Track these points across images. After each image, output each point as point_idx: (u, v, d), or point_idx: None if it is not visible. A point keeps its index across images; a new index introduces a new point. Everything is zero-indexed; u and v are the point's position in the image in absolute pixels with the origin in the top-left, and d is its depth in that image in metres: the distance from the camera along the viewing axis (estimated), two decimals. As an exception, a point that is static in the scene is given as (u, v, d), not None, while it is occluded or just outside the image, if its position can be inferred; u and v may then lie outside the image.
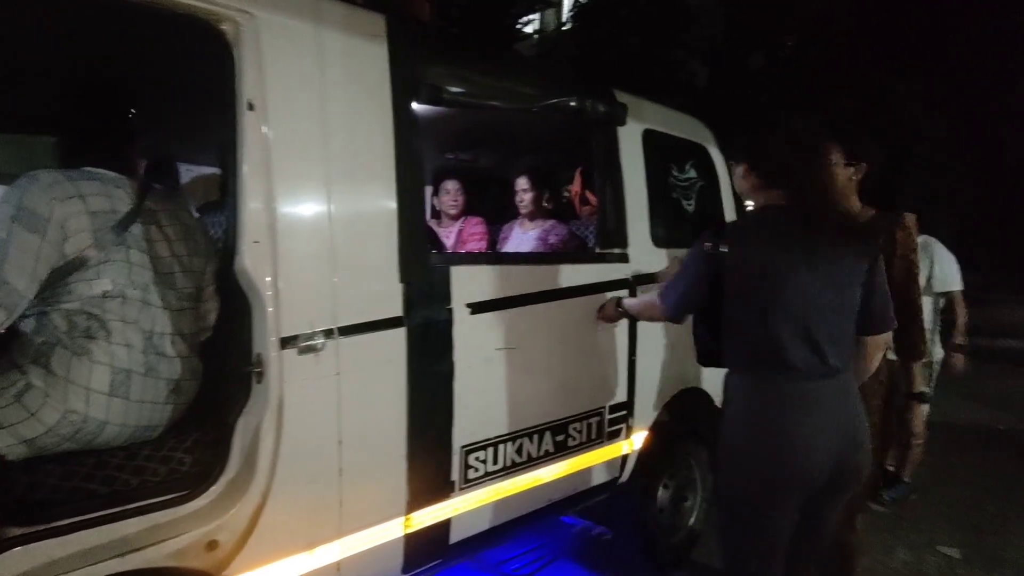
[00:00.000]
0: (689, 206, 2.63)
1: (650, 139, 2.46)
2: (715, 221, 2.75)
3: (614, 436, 2.36)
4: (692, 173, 2.66)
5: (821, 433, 1.47)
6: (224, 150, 1.48)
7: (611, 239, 2.33)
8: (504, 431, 1.96)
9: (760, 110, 6.57)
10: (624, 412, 2.39)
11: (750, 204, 1.91)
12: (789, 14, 7.17)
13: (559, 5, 13.52)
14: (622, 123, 2.30)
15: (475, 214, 3.21)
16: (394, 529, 1.67)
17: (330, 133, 1.56)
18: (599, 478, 2.35)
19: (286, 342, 1.45)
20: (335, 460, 1.55)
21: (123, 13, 1.42)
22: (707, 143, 2.79)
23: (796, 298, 1.48)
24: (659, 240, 2.47)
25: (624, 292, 2.31)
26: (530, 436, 2.05)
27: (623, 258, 2.36)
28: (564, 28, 8.79)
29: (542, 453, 2.09)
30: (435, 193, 3.20)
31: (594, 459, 2.29)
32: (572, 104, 2.12)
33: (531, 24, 11.97)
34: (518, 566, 2.60)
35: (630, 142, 2.38)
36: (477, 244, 3.11)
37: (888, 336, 1.66)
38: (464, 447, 1.84)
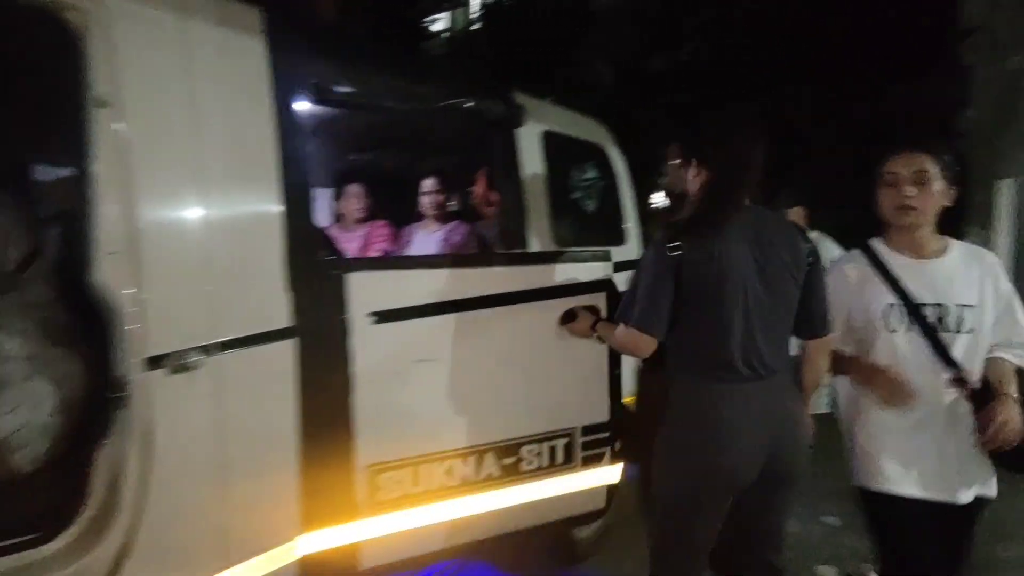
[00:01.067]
0: (590, 206, 2.67)
1: (549, 140, 2.47)
2: (615, 220, 2.81)
3: (593, 461, 2.06)
4: (592, 173, 2.70)
5: (751, 432, 1.47)
6: (72, 151, 1.32)
7: (512, 240, 2.32)
8: (428, 450, 1.79)
9: (665, 110, 6.83)
10: (606, 434, 2.07)
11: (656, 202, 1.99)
12: (689, 20, 7.52)
13: (467, 5, 13.50)
14: (521, 124, 2.29)
15: (381, 218, 3.12)
16: (287, 555, 1.58)
17: (203, 133, 1.44)
18: (576, 508, 2.08)
19: (154, 362, 1.32)
20: (217, 486, 1.43)
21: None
22: (606, 143, 2.84)
23: (745, 297, 1.46)
24: (561, 240, 2.49)
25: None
26: (465, 457, 1.84)
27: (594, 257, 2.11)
28: (473, 28, 8.77)
29: (484, 477, 1.87)
30: (337, 197, 3.07)
31: (566, 486, 2.02)
32: (469, 105, 2.09)
33: (439, 23, 11.87)
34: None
35: (529, 143, 2.38)
36: (383, 249, 3.02)
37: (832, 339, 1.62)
38: (371, 466, 1.71)
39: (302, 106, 1.66)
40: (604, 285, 2.02)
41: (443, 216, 2.86)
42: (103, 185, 1.28)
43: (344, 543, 1.68)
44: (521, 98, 2.35)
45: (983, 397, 1.49)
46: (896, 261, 1.59)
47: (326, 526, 1.65)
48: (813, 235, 3.25)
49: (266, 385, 1.53)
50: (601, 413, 2.06)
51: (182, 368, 1.36)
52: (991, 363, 1.54)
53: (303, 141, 1.65)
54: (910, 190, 1.54)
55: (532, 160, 2.38)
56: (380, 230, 3.14)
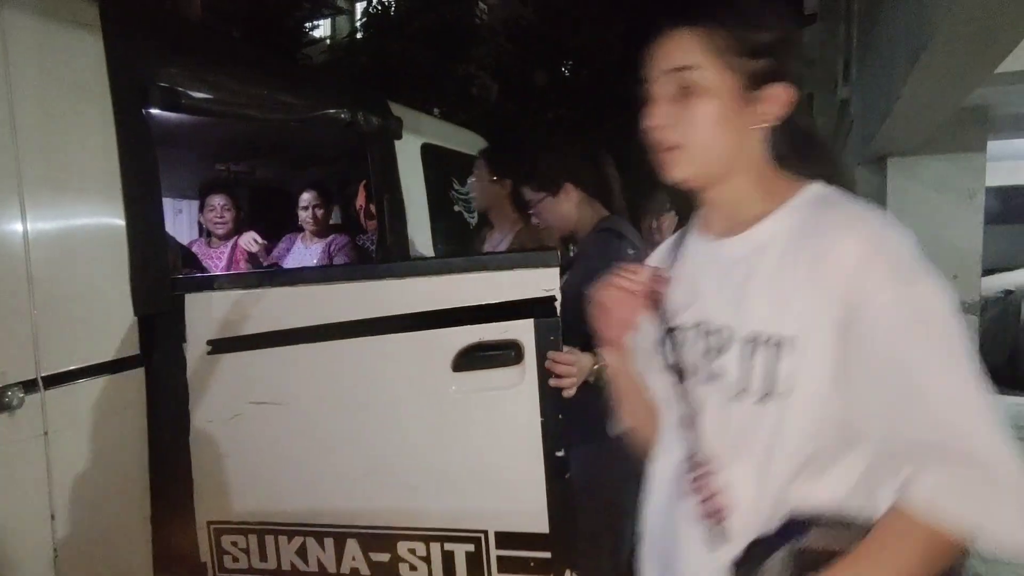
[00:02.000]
0: (472, 218, 2.68)
1: (429, 153, 2.46)
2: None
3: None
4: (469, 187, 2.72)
5: None
6: None
7: (391, 252, 2.27)
8: (270, 518, 1.44)
9: (546, 125, 7.05)
10: (542, 554, 1.31)
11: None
12: (567, 39, 7.82)
13: (351, 13, 13.19)
14: (398, 137, 2.26)
15: (250, 231, 2.93)
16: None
17: (20, 139, 1.27)
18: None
19: (-38, 402, 1.14)
20: (47, 539, 1.26)
21: None
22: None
23: None
24: (442, 253, 2.49)
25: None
26: (320, 538, 1.41)
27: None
28: (356, 36, 8.57)
29: (348, 572, 1.41)
30: (200, 209, 2.85)
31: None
32: (341, 116, 2.02)
33: (319, 29, 11.49)
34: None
35: (408, 156, 2.36)
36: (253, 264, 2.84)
37: None
38: (212, 523, 1.47)
39: (149, 111, 1.52)
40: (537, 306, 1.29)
41: (323, 231, 2.74)
42: None
43: None
44: (399, 110, 2.32)
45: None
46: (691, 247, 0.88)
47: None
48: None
49: (108, 420, 1.37)
50: (533, 516, 1.31)
51: (2, 407, 1.18)
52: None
53: (150, 149, 1.50)
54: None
55: (411, 172, 2.36)
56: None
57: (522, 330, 1.28)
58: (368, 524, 1.39)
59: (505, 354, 1.29)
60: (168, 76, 1.56)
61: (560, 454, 1.28)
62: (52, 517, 1.26)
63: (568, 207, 1.65)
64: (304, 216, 2.73)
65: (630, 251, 1.52)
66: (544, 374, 1.27)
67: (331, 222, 2.89)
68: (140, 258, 1.43)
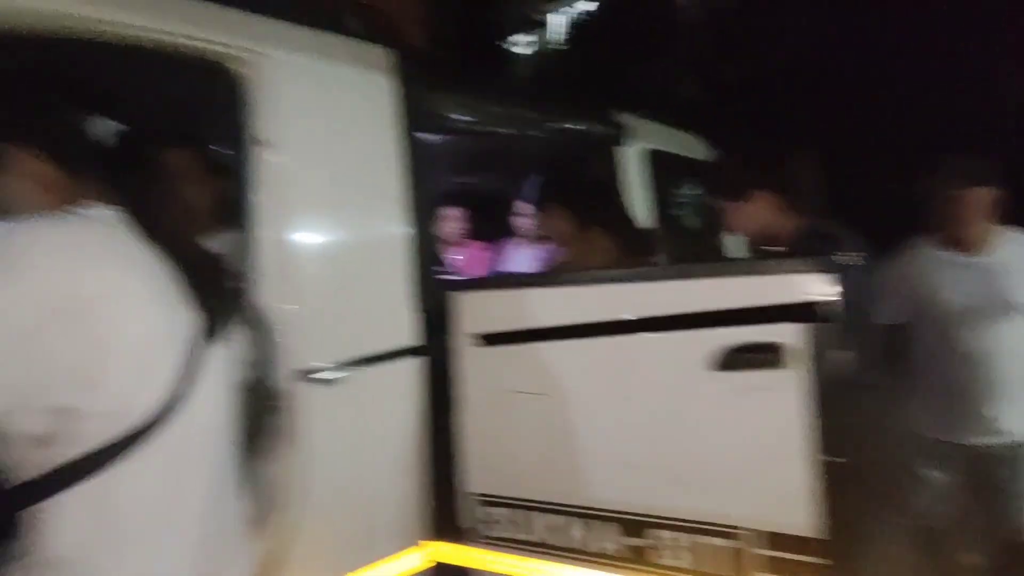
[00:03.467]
0: (696, 223, 2.66)
1: (651, 158, 2.49)
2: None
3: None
4: (696, 190, 2.70)
5: None
6: (239, 185, 1.48)
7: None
8: (530, 495, 1.60)
9: (750, 123, 6.62)
10: (811, 559, 1.30)
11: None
12: (780, 28, 7.26)
13: (546, 25, 13.72)
14: (623, 144, 2.33)
15: (478, 239, 3.24)
16: (417, 559, 1.66)
17: (339, 164, 1.57)
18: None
19: (304, 375, 1.45)
20: (358, 493, 1.54)
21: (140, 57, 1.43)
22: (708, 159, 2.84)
23: None
24: (665, 258, 2.49)
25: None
26: (577, 518, 1.54)
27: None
28: (556, 48, 8.90)
29: (602, 552, 1.51)
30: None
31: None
32: (574, 127, 2.15)
33: (523, 46, 12.12)
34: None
35: (632, 162, 2.42)
36: (481, 270, 3.13)
37: None
38: (479, 496, 1.67)
39: (423, 135, 1.78)
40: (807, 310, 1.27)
41: (541, 237, 2.92)
42: (263, 213, 1.44)
43: (466, 565, 1.70)
44: (623, 117, 2.40)
45: None
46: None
47: (444, 540, 1.70)
48: None
49: (397, 399, 1.63)
50: (796, 518, 1.29)
51: (327, 382, 1.48)
52: None
53: (425, 169, 1.75)
54: None
55: (636, 178, 2.41)
56: (477, 251, 3.27)
57: (790, 334, 1.29)
58: (624, 510, 1.49)
59: (770, 356, 1.31)
60: (440, 104, 1.81)
61: (839, 460, 1.25)
62: (362, 477, 1.55)
63: (761, 214, 1.57)
64: (523, 222, 2.93)
65: (847, 254, 1.41)
66: (819, 377, 1.25)
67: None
68: (420, 262, 1.69)
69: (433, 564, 1.69)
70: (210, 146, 1.75)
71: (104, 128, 0.96)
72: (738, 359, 1.33)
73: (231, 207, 1.54)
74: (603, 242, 1.83)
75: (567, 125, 2.14)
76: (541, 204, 1.99)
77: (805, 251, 1.48)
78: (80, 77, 1.04)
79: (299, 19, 1.61)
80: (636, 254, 1.86)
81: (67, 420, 0.80)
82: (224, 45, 1.44)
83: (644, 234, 2.00)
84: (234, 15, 1.49)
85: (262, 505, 1.44)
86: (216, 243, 1.65)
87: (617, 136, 2.30)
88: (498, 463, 1.66)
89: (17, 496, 0.81)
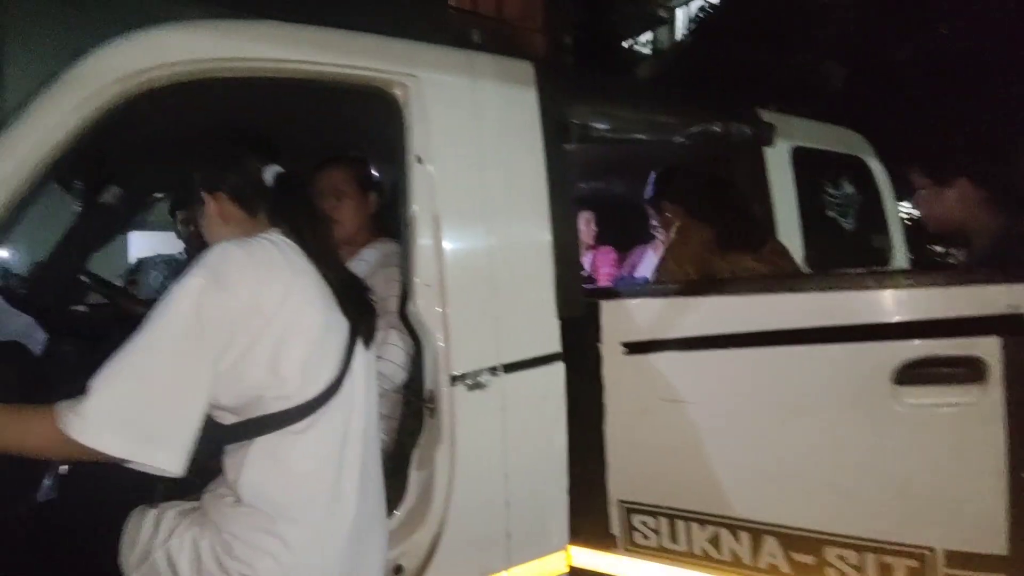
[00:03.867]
0: (848, 224, 2.45)
1: (799, 156, 2.34)
2: (877, 240, 2.54)
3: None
4: (849, 189, 2.49)
5: None
6: (397, 203, 1.60)
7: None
8: (681, 505, 1.58)
9: (910, 107, 5.96)
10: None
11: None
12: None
13: (671, 22, 13.32)
14: (769, 144, 2.21)
15: (606, 243, 3.22)
16: (557, 564, 1.69)
17: (487, 173, 1.64)
18: None
19: (456, 379, 1.53)
20: (502, 493, 1.60)
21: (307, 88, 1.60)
22: (864, 155, 2.60)
23: None
24: (815, 263, 2.33)
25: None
26: (734, 530, 1.50)
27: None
28: (681, 43, 8.64)
29: (765, 567, 1.47)
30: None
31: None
32: (716, 129, 2.07)
33: (644, 45, 11.89)
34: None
35: (778, 161, 2.28)
36: (610, 274, 3.10)
37: None
38: (623, 502, 1.67)
39: (565, 145, 1.80)
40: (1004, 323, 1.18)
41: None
42: (420, 225, 1.54)
43: (600, 571, 1.70)
44: (769, 115, 2.27)
45: None
46: None
47: (589, 547, 1.71)
48: None
49: (540, 404, 1.66)
50: (989, 537, 1.24)
51: (477, 385, 1.55)
52: None
53: (567, 178, 1.78)
54: None
55: (782, 179, 2.28)
56: (606, 255, 3.24)
57: (986, 348, 1.21)
58: (789, 524, 1.43)
59: (961, 371, 1.22)
60: (580, 114, 1.83)
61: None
62: (506, 476, 1.60)
63: (960, 204, 1.45)
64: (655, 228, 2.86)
65: None
66: (1017, 393, 1.16)
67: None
68: (562, 269, 1.71)
69: (575, 570, 1.71)
70: (370, 164, 1.91)
71: (275, 171, 1.22)
72: (928, 374, 1.25)
73: (389, 220, 1.67)
74: (705, 235, 1.85)
75: (707, 127, 2.06)
76: (655, 201, 2.03)
77: (1005, 254, 1.32)
78: (259, 127, 1.25)
79: (447, 41, 1.71)
80: (740, 248, 1.85)
81: (254, 393, 1.04)
82: (382, 72, 1.56)
83: (754, 229, 1.97)
84: (390, 43, 1.62)
85: (413, 499, 1.55)
86: (375, 255, 1.80)
87: (760, 135, 2.18)
88: (644, 470, 1.66)
89: (215, 438, 1.05)
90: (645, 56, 10.11)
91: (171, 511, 1.12)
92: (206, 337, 0.98)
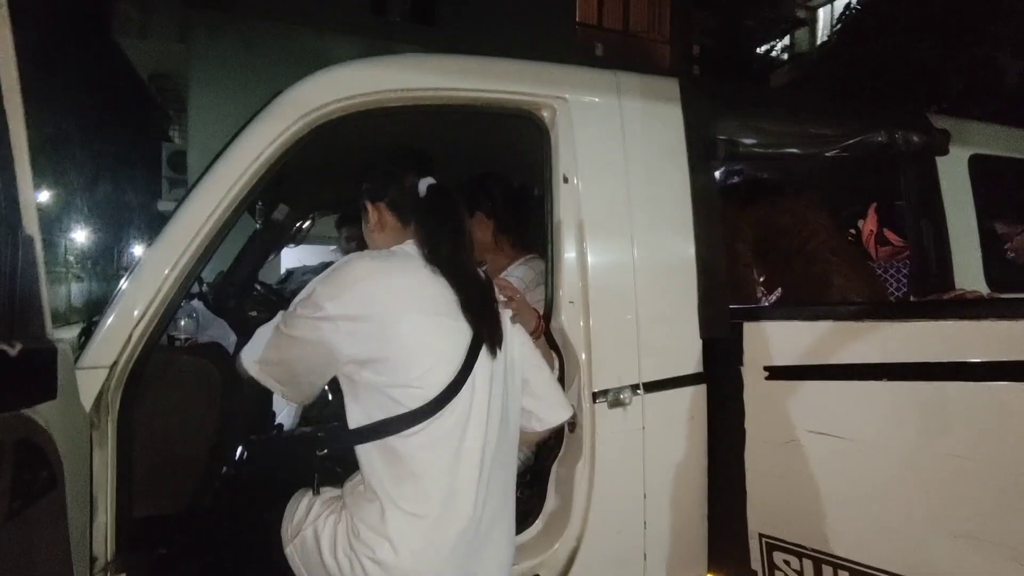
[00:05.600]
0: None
1: (979, 165, 2.09)
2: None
3: None
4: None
5: None
6: (544, 223, 1.64)
7: (929, 284, 2.01)
8: (830, 550, 1.44)
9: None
10: None
11: None
12: None
13: (812, 24, 12.47)
14: (943, 152, 2.00)
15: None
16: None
17: (632, 191, 1.64)
18: None
19: (598, 396, 1.54)
20: (640, 513, 1.57)
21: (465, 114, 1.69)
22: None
23: None
24: (996, 282, 2.06)
25: None
26: None
27: None
28: (826, 44, 8.04)
29: None
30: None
31: None
32: (880, 139, 1.91)
33: (780, 50, 11.22)
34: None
35: (953, 171, 2.06)
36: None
37: None
38: (764, 537, 1.57)
39: (712, 162, 1.76)
40: None
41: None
42: (564, 242, 1.57)
43: None
44: (942, 121, 2.06)
45: None
46: None
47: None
48: None
49: (681, 426, 1.62)
50: None
51: (618, 403, 1.55)
52: None
53: (714, 196, 1.73)
54: None
55: (957, 190, 2.05)
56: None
57: None
58: None
59: None
60: (728, 129, 1.78)
61: None
62: (644, 496, 1.58)
63: None
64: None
65: None
66: None
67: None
68: (706, 288, 1.66)
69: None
70: (497, 183, 1.95)
71: (428, 183, 1.29)
72: None
73: (534, 238, 1.72)
74: None
75: (868, 137, 1.91)
76: None
77: None
78: (415, 145, 1.34)
79: (591, 62, 1.74)
80: None
81: (372, 398, 1.15)
82: (532, 95, 1.62)
83: None
84: (539, 67, 1.68)
85: (551, 513, 1.57)
86: (525, 271, 1.85)
87: (931, 143, 1.98)
88: (787, 505, 1.55)
89: (343, 437, 1.19)
90: (782, 62, 9.53)
91: (322, 496, 1.25)
92: (319, 339, 1.13)
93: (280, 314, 1.20)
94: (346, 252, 2.99)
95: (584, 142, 1.62)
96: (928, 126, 2.02)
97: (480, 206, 1.86)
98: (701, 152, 1.72)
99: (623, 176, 1.64)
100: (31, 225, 0.86)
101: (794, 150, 1.86)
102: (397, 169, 1.32)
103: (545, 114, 1.64)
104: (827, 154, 1.89)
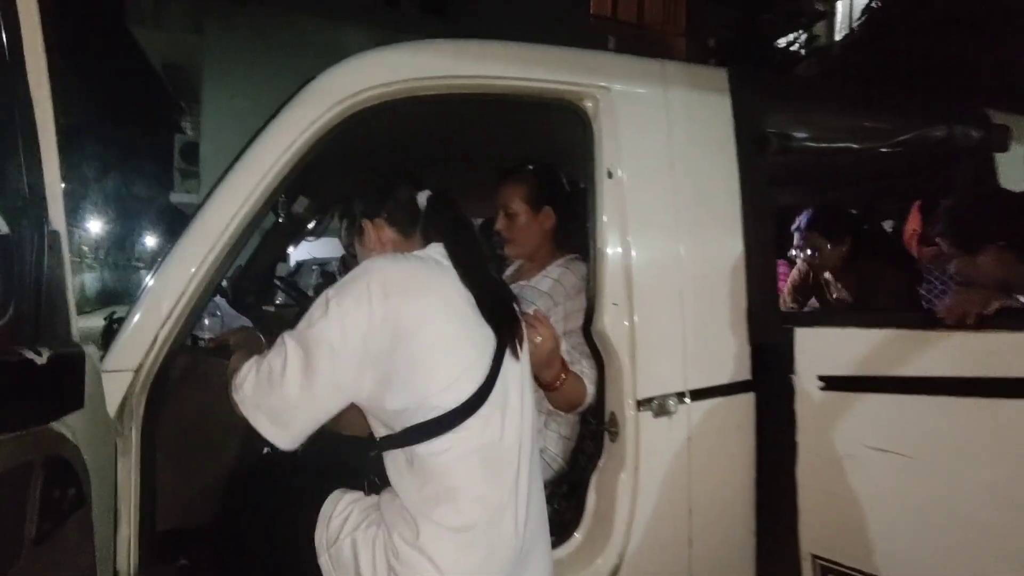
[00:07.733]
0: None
1: (1039, 163, 1.98)
2: None
3: None
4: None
5: None
6: (586, 218, 1.55)
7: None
8: (887, 574, 1.37)
9: None
10: None
11: None
12: None
13: (831, 15, 12.24)
14: (1004, 148, 1.89)
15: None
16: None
17: (678, 186, 1.55)
18: None
19: (641, 404, 1.45)
20: (685, 529, 1.49)
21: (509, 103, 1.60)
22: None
23: None
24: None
25: None
26: None
27: None
28: (848, 38, 7.86)
29: None
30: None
31: None
32: (937, 134, 1.81)
33: (799, 43, 11.02)
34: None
35: (1011, 168, 1.95)
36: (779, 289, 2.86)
37: None
38: (816, 557, 1.49)
39: (763, 155, 1.66)
40: None
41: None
42: (608, 240, 1.48)
43: None
44: (1002, 117, 1.95)
45: None
46: None
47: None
48: None
49: (728, 437, 1.54)
50: None
51: (663, 411, 1.46)
52: None
53: (764, 192, 1.64)
54: None
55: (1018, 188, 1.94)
56: (778, 269, 2.99)
57: None
58: None
59: None
60: (778, 122, 1.68)
61: None
62: (689, 512, 1.49)
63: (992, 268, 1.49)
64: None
65: None
66: None
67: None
68: (756, 291, 1.57)
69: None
70: (544, 177, 1.88)
71: (426, 195, 1.31)
72: None
73: (576, 235, 1.63)
74: None
75: (924, 132, 1.80)
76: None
77: None
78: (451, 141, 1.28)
79: (636, 51, 1.65)
80: None
81: (398, 406, 1.07)
82: (574, 84, 1.53)
83: None
84: (580, 55, 1.58)
85: (591, 525, 1.49)
86: (561, 272, 1.76)
87: (990, 139, 1.87)
88: (843, 526, 1.45)
89: (371, 447, 1.13)
90: (801, 56, 9.34)
91: (363, 502, 1.17)
92: (343, 351, 1.05)
93: (287, 333, 1.10)
94: (347, 244, 2.90)
95: (629, 135, 1.53)
96: (987, 121, 1.92)
97: (551, 198, 1.75)
98: (751, 145, 1.63)
99: (669, 171, 1.55)
100: (58, 219, 0.79)
101: (849, 144, 1.76)
102: (389, 185, 1.33)
103: (588, 104, 1.54)
104: (882, 149, 1.79)
